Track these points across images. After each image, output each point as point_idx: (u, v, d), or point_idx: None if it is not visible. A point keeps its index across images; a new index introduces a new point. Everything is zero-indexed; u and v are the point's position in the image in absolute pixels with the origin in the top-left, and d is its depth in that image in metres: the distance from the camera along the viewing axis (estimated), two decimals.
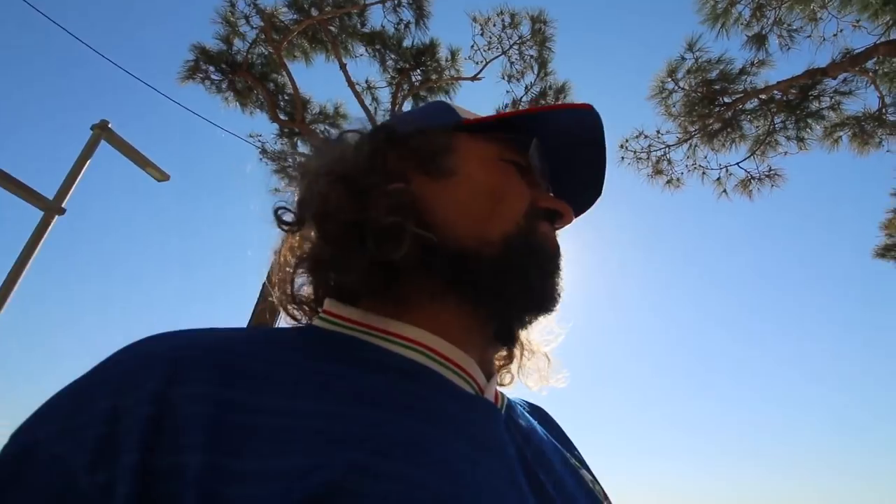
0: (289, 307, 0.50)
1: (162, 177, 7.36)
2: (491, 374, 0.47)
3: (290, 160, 8.20)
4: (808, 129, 5.55)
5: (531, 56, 5.67)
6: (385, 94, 7.08)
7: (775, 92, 5.11)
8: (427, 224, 0.44)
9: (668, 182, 5.75)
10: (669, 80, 5.58)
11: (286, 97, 7.44)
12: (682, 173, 5.82)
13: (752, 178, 5.76)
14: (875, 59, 4.45)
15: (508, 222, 0.46)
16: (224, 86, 6.15)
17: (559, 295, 0.47)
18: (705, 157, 5.70)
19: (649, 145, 5.69)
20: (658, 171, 5.76)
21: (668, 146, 5.67)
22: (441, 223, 0.44)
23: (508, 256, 0.44)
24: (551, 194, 0.55)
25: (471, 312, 0.45)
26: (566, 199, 0.53)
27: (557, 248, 0.49)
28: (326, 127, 7.77)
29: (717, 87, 5.46)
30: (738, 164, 5.69)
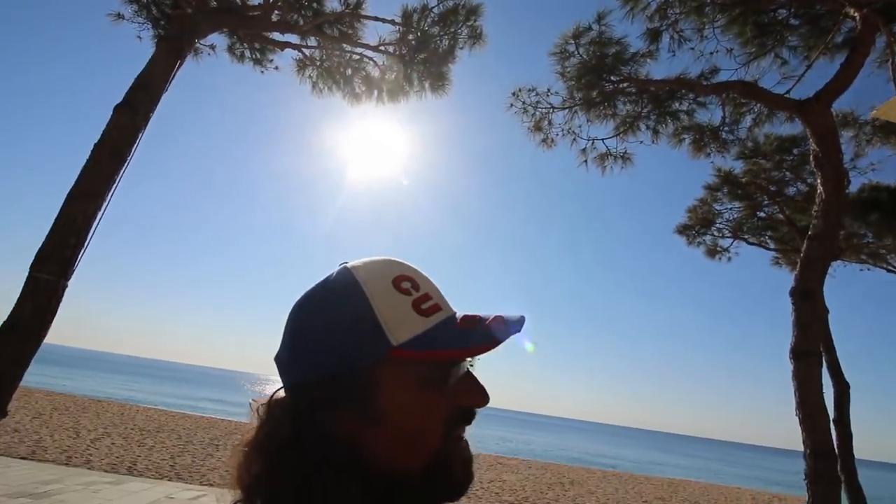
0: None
1: None
2: None
3: None
4: (665, 125, 6.30)
5: None
6: None
7: (651, 87, 5.65)
8: (360, 457, 0.53)
9: (544, 140, 6.17)
10: (573, 42, 5.73)
11: None
12: (558, 135, 6.26)
13: (610, 154, 6.45)
14: (730, 92, 5.19)
15: (427, 453, 0.54)
16: None
17: (466, 488, 0.57)
18: (579, 126, 6.19)
19: (537, 101, 5.95)
20: (538, 128, 6.11)
21: (553, 108, 5.99)
22: (372, 457, 0.54)
23: (427, 485, 0.54)
24: (470, 378, 0.59)
25: None
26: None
27: (466, 462, 0.57)
28: None
29: (608, 63, 5.79)
30: (603, 139, 6.29)
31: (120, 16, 6.41)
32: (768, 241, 10.37)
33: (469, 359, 0.59)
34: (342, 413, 0.54)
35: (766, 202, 9.67)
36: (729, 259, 10.38)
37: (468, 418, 0.57)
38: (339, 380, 0.54)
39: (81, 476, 7.20)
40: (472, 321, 0.57)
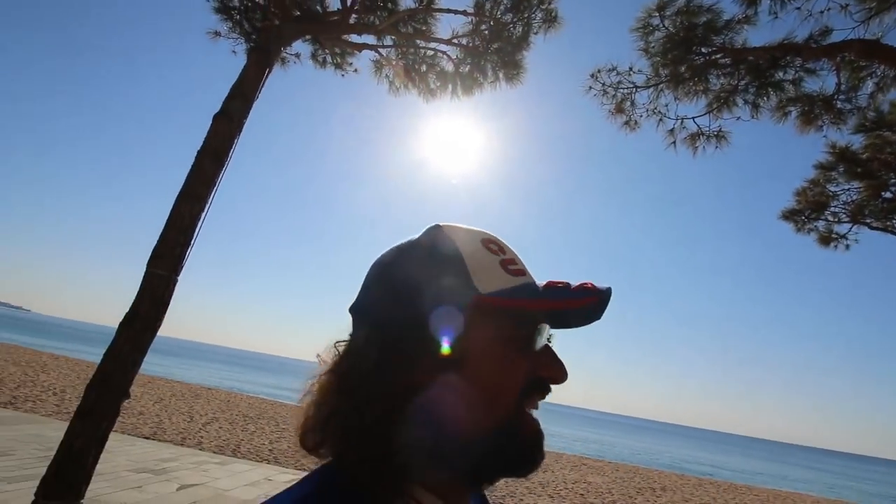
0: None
1: None
2: None
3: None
4: (766, 98, 5.70)
5: None
6: None
7: (750, 56, 5.13)
8: (434, 405, 0.51)
9: (626, 123, 5.82)
10: (657, 14, 5.35)
11: None
12: (641, 116, 5.88)
13: (702, 133, 5.96)
14: (846, 54, 4.55)
15: (501, 414, 0.53)
16: None
17: (537, 463, 0.55)
18: (666, 105, 5.77)
19: (618, 82, 5.62)
20: (619, 110, 5.78)
21: (636, 87, 5.63)
22: (445, 407, 0.52)
23: (494, 445, 0.53)
24: (551, 352, 0.58)
25: (455, 479, 0.55)
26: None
27: (537, 433, 0.56)
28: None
29: (698, 34, 5.34)
30: (693, 118, 5.82)
31: (217, 33, 6.97)
32: None
33: (550, 331, 0.59)
34: (422, 356, 0.53)
35: (892, 181, 8.43)
36: (847, 247, 9.16)
37: (544, 390, 0.57)
38: (423, 322, 0.53)
39: (194, 456, 7.94)
40: (559, 284, 0.57)
